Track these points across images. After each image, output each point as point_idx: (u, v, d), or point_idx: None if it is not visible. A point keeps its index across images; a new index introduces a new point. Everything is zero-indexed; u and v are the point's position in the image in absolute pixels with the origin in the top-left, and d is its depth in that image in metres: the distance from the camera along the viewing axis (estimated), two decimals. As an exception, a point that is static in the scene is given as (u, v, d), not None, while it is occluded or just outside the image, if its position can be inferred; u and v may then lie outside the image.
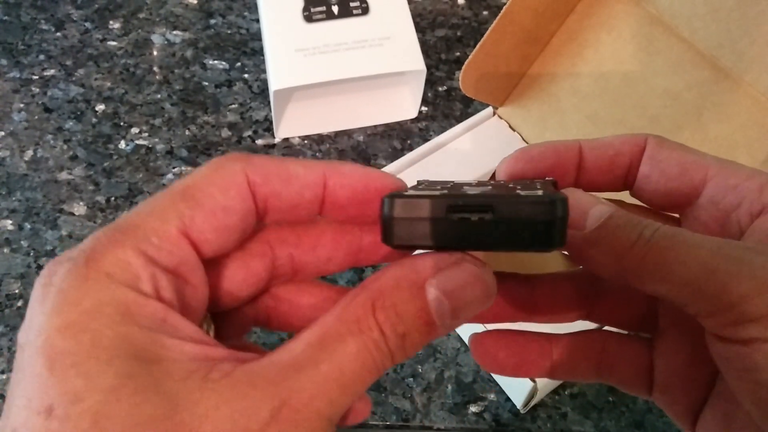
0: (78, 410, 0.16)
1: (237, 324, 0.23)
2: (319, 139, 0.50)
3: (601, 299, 0.26)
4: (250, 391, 0.17)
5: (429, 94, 0.52)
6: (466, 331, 0.41)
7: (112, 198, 0.47)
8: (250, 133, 0.50)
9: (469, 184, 0.23)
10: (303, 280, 0.23)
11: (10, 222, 0.46)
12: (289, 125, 0.50)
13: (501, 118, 0.46)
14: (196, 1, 0.56)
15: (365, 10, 0.48)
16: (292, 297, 0.23)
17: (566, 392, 0.41)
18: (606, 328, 0.27)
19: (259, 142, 0.49)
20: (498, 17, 0.40)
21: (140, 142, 0.49)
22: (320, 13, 0.48)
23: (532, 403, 0.39)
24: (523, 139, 0.45)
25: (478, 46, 0.41)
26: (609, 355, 0.26)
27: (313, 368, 0.18)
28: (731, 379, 0.20)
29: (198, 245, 0.19)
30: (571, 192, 0.22)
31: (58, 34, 0.54)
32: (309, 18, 0.48)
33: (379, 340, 0.18)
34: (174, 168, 0.48)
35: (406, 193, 0.20)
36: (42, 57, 0.52)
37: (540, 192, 0.20)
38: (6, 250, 0.45)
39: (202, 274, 0.20)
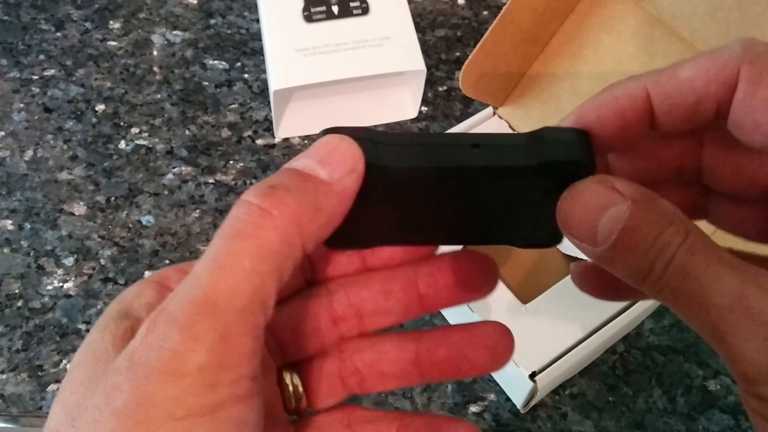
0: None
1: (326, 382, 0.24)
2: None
3: (713, 210, 0.23)
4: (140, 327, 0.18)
5: (429, 94, 0.52)
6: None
7: (112, 198, 0.47)
8: (250, 133, 0.50)
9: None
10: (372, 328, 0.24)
11: (10, 222, 0.46)
12: (289, 125, 0.50)
13: (501, 118, 0.46)
14: (196, 1, 0.56)
15: (365, 10, 0.48)
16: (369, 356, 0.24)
17: (566, 392, 0.41)
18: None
19: (259, 142, 0.49)
20: (498, 17, 0.40)
21: (140, 142, 0.49)
22: (320, 13, 0.48)
23: (532, 403, 0.39)
24: (523, 139, 0.45)
25: (478, 46, 0.41)
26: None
27: (189, 274, 0.18)
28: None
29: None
30: (581, 189, 0.20)
31: (58, 34, 0.54)
32: (309, 18, 0.48)
33: (239, 205, 0.18)
34: (174, 168, 0.48)
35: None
36: (42, 57, 0.52)
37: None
38: (6, 250, 0.45)
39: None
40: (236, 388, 0.17)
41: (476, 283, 0.24)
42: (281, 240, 0.18)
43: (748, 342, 0.17)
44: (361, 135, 0.20)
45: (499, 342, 0.23)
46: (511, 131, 0.45)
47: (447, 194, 0.21)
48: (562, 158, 0.20)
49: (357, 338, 0.24)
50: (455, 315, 0.42)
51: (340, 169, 0.19)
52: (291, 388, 0.23)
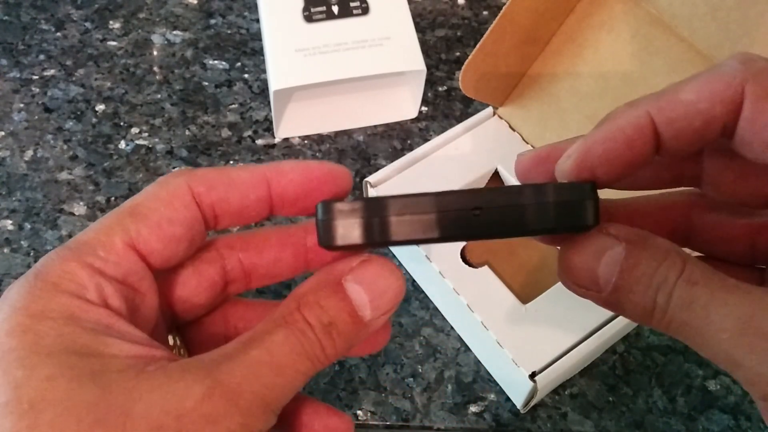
0: (17, 395, 0.17)
1: (209, 342, 0.25)
2: (319, 139, 0.50)
3: (698, 233, 0.23)
4: (183, 376, 0.18)
5: (429, 94, 0.52)
6: (466, 331, 0.41)
7: (112, 198, 0.47)
8: (250, 133, 0.50)
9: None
10: (257, 286, 0.25)
11: (10, 222, 0.46)
12: (289, 125, 0.50)
13: (501, 118, 0.46)
14: (196, 1, 0.56)
15: (365, 10, 0.48)
16: (249, 316, 0.25)
17: (566, 392, 0.41)
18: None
19: (259, 142, 0.49)
20: (498, 17, 0.40)
21: (140, 142, 0.49)
22: (320, 13, 0.48)
23: (532, 403, 0.39)
24: (523, 139, 0.45)
25: (477, 46, 0.41)
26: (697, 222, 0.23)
27: (243, 355, 0.19)
28: None
29: (146, 256, 0.21)
30: (577, 239, 0.21)
31: (58, 34, 0.54)
32: (309, 18, 0.48)
33: (305, 329, 0.20)
34: (174, 168, 0.48)
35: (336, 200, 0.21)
36: (42, 57, 0.52)
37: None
38: (6, 250, 0.45)
39: (152, 283, 0.21)
40: None
41: None
42: (320, 369, 0.20)
43: (766, 362, 0.17)
44: (358, 212, 0.20)
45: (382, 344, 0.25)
46: (511, 132, 0.45)
47: (455, 240, 0.21)
48: (571, 225, 0.20)
49: (240, 303, 0.25)
50: (457, 318, 0.42)
51: (383, 314, 0.21)
52: (175, 352, 0.24)
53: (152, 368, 0.18)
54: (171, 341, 0.24)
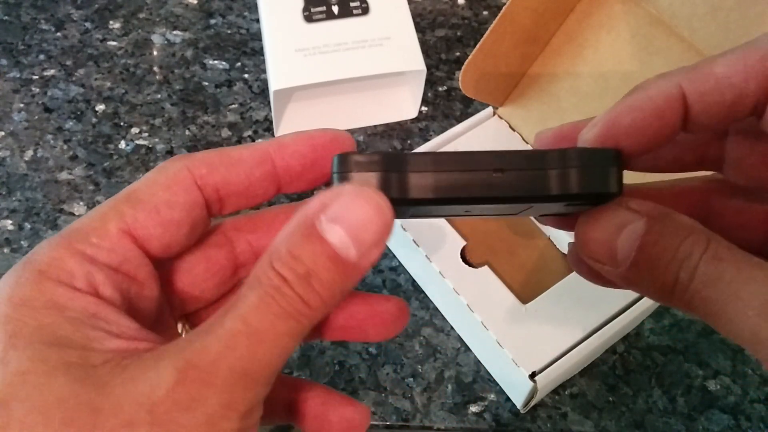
0: None
1: None
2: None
3: (715, 220, 0.23)
4: (156, 364, 0.17)
5: (429, 94, 0.52)
6: (466, 331, 0.41)
7: (112, 198, 0.47)
8: (250, 133, 0.50)
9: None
10: None
11: (10, 222, 0.46)
12: (289, 125, 0.50)
13: (501, 118, 0.45)
14: (196, 1, 0.56)
15: (365, 10, 0.48)
16: None
17: (566, 392, 0.41)
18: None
19: (260, 142, 0.49)
20: (498, 17, 0.40)
21: (140, 142, 0.49)
22: (320, 13, 0.48)
23: (532, 403, 0.39)
24: (523, 139, 0.45)
25: (477, 46, 0.41)
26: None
27: (217, 328, 0.17)
28: None
29: (144, 242, 0.20)
30: (596, 212, 0.20)
31: (58, 34, 0.54)
32: (309, 18, 0.48)
33: (280, 285, 0.18)
34: (174, 168, 0.48)
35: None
36: (42, 57, 0.52)
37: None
38: (6, 250, 0.44)
39: (151, 271, 0.20)
40: None
41: None
42: (310, 326, 0.18)
43: None
44: (377, 165, 0.19)
45: (397, 319, 0.23)
46: (511, 132, 0.45)
47: (473, 205, 0.21)
48: (594, 191, 0.20)
49: None
50: (457, 318, 0.42)
51: (371, 248, 0.18)
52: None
53: (128, 361, 0.17)
54: (180, 329, 0.23)
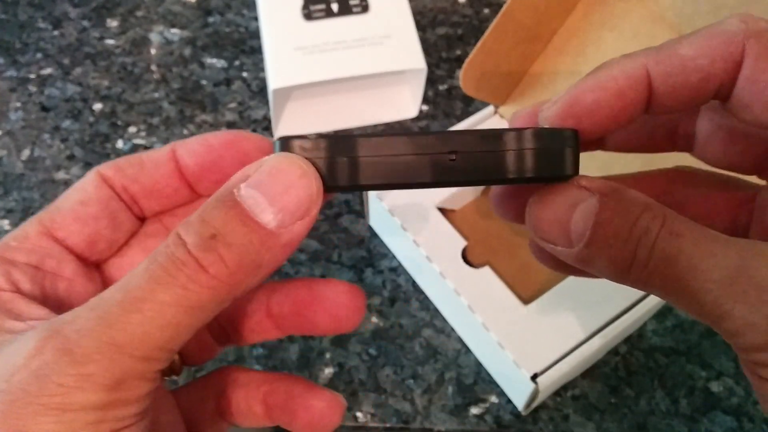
0: None
1: None
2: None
3: (678, 209, 0.23)
4: (25, 336, 0.17)
5: (429, 93, 0.51)
6: (467, 332, 0.41)
7: (110, 198, 0.46)
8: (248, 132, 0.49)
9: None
10: None
11: (7, 222, 0.45)
12: (289, 124, 0.49)
13: (502, 117, 0.45)
14: (194, 0, 0.55)
15: (365, 8, 0.48)
16: None
17: (568, 394, 0.40)
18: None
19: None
20: (498, 15, 0.39)
21: (138, 141, 0.49)
22: (320, 11, 0.48)
23: (534, 404, 0.39)
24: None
25: (478, 44, 0.40)
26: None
27: (95, 299, 0.17)
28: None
29: (66, 240, 0.21)
30: (547, 191, 0.19)
31: (56, 32, 0.53)
32: (308, 16, 0.48)
33: (174, 250, 0.16)
34: (172, 167, 0.48)
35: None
36: (39, 55, 0.52)
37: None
38: (2, 250, 0.44)
39: (77, 266, 0.21)
40: (123, 422, 0.16)
41: None
42: (211, 299, 0.17)
43: (757, 311, 0.16)
44: (323, 150, 0.18)
45: (348, 307, 0.22)
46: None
47: (427, 186, 0.20)
48: (550, 174, 0.19)
49: None
50: (458, 319, 0.41)
51: (293, 215, 0.17)
52: None
53: (11, 337, 0.17)
54: None
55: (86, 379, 0.16)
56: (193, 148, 0.22)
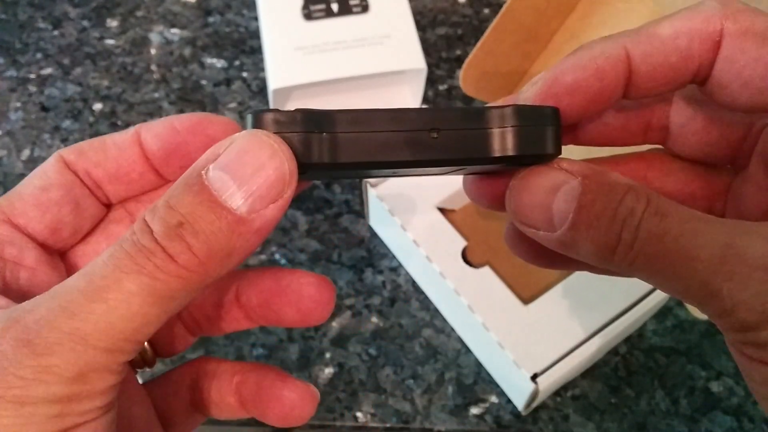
0: None
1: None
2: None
3: (669, 177, 0.22)
4: None
5: (429, 93, 0.51)
6: (467, 332, 0.41)
7: (110, 198, 0.46)
8: (248, 132, 0.49)
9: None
10: None
11: (6, 222, 0.45)
12: (288, 124, 0.49)
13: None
14: (194, 0, 0.55)
15: (365, 8, 0.48)
16: None
17: (568, 394, 0.40)
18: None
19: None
20: (498, 15, 0.39)
21: (138, 141, 0.49)
22: (320, 11, 0.48)
23: (534, 405, 0.39)
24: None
25: (478, 44, 0.40)
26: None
27: (58, 287, 0.16)
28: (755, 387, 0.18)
29: (27, 226, 0.20)
30: (527, 175, 0.19)
31: (56, 32, 0.53)
32: (308, 16, 0.48)
33: (140, 238, 0.16)
34: (172, 167, 0.48)
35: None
36: (39, 55, 0.52)
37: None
38: (2, 250, 0.44)
39: (39, 254, 0.20)
40: (87, 416, 0.16)
41: None
42: (181, 289, 0.16)
43: (747, 289, 0.16)
44: (299, 124, 0.17)
45: (315, 298, 0.22)
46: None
47: (408, 166, 0.19)
48: (533, 152, 0.19)
49: None
50: (458, 319, 0.41)
51: (264, 199, 0.16)
52: None
53: None
54: None
55: (47, 371, 0.15)
56: (157, 132, 0.21)
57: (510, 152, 0.18)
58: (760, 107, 0.18)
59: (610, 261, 0.18)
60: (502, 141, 0.18)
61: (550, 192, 0.18)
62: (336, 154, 0.17)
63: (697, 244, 0.17)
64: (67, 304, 0.16)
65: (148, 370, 0.24)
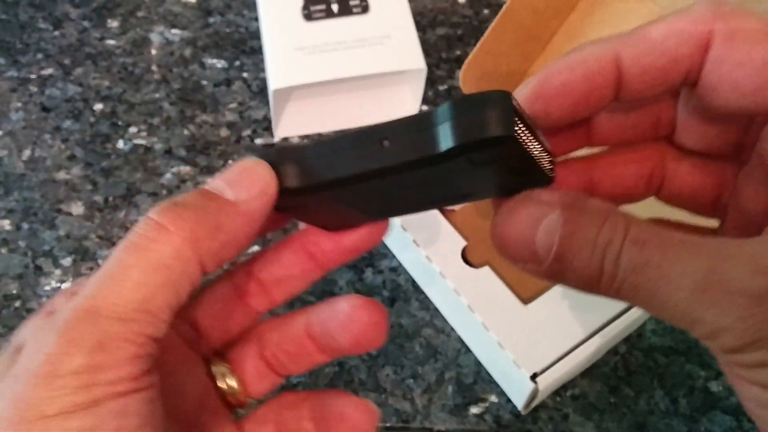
0: None
1: (251, 366, 0.25)
2: (319, 138, 0.50)
3: (669, 182, 0.23)
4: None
5: (429, 93, 0.51)
6: (467, 332, 0.41)
7: (110, 198, 0.46)
8: (249, 132, 0.49)
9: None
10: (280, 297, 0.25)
11: (7, 222, 0.45)
12: (289, 124, 0.49)
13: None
14: (194, 0, 0.55)
15: (365, 9, 0.48)
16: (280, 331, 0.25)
17: (567, 393, 0.40)
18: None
19: (258, 141, 0.49)
20: (498, 15, 0.39)
21: (138, 141, 0.49)
22: (320, 11, 0.48)
23: (534, 404, 0.39)
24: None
25: (478, 44, 0.40)
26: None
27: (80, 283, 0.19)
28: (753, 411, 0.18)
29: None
30: (508, 210, 0.19)
31: (56, 32, 0.53)
32: (308, 16, 0.48)
33: (142, 224, 0.18)
34: (172, 168, 0.48)
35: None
36: (40, 56, 0.52)
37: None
38: (3, 250, 0.44)
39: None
40: (115, 387, 0.17)
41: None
42: (174, 255, 0.18)
43: (730, 314, 0.16)
44: (276, 157, 0.20)
45: (359, 321, 0.23)
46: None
47: (379, 187, 0.19)
48: (475, 138, 0.17)
49: (268, 320, 0.25)
50: (458, 319, 0.41)
51: (248, 191, 0.19)
52: (220, 379, 0.24)
53: None
54: (218, 371, 0.24)
55: (69, 344, 0.17)
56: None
57: (452, 142, 0.17)
58: (749, 110, 0.18)
59: (597, 291, 0.18)
60: (445, 134, 0.18)
61: (532, 226, 0.19)
62: (307, 176, 0.19)
63: (678, 272, 0.17)
64: (84, 291, 0.18)
65: (241, 411, 0.25)
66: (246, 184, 0.19)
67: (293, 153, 0.20)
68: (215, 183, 0.20)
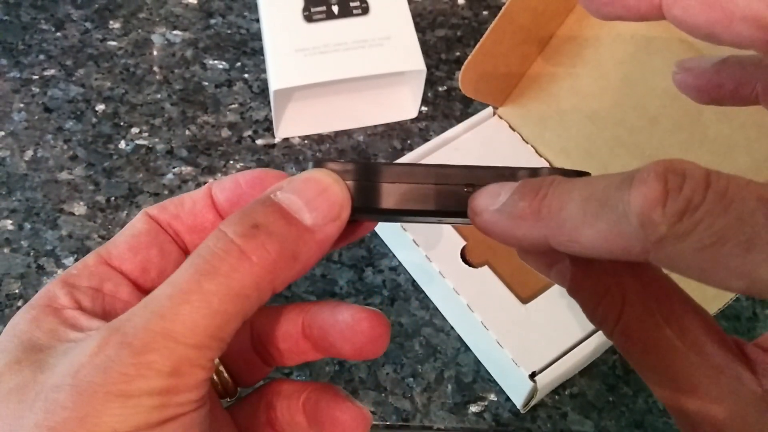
0: None
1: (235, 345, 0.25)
2: (319, 139, 0.50)
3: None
4: (89, 336, 0.18)
5: (429, 94, 0.52)
6: (466, 331, 0.41)
7: (112, 198, 0.47)
8: (250, 133, 0.50)
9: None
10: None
11: (10, 222, 0.46)
12: (289, 125, 0.50)
13: (501, 118, 0.46)
14: (196, 1, 0.56)
15: (365, 10, 0.48)
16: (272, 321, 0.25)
17: (566, 392, 0.41)
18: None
19: (259, 142, 0.49)
20: (497, 17, 0.40)
21: (140, 142, 0.49)
22: (320, 12, 0.48)
23: (532, 403, 0.39)
24: (523, 139, 0.45)
25: (477, 46, 0.41)
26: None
27: (148, 298, 0.18)
28: None
29: (120, 266, 0.23)
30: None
31: (58, 34, 0.54)
32: (309, 18, 0.48)
33: (215, 243, 0.18)
34: (174, 168, 0.48)
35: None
36: (42, 57, 0.52)
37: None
38: (6, 250, 0.44)
39: (131, 289, 0.23)
40: (184, 408, 0.18)
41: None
42: (254, 287, 0.18)
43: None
44: (351, 174, 0.20)
45: (362, 335, 0.23)
46: (511, 132, 0.45)
47: (444, 218, 0.21)
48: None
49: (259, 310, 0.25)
50: (457, 318, 0.42)
51: (326, 216, 0.19)
52: (216, 374, 0.24)
53: (72, 345, 0.19)
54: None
55: (146, 366, 0.17)
56: (225, 186, 0.23)
57: None
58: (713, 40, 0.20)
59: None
60: None
61: (547, 266, 0.22)
62: (379, 201, 0.20)
63: (658, 372, 0.19)
64: (157, 309, 0.18)
65: (229, 399, 0.25)
66: (324, 208, 0.19)
67: (370, 172, 0.20)
68: (292, 200, 0.19)
